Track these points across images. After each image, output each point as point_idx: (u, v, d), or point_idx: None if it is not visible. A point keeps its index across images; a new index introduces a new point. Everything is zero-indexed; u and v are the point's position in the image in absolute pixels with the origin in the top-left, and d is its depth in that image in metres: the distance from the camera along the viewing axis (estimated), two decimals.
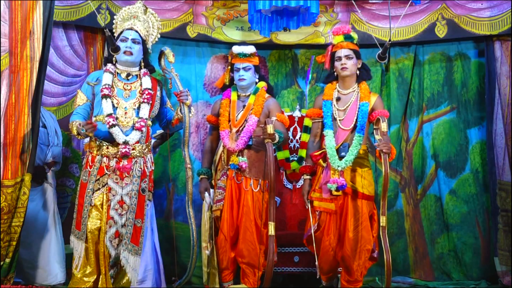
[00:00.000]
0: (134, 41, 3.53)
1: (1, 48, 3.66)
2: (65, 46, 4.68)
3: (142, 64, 3.65)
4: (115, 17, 3.76)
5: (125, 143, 3.41)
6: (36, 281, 4.13)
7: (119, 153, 3.41)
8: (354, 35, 3.93)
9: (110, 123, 3.39)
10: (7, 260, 3.73)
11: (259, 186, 4.06)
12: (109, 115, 3.42)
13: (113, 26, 3.74)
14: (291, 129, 4.73)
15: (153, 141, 4.41)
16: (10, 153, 3.69)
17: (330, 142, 3.79)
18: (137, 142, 3.51)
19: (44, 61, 3.78)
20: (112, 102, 3.46)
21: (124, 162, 3.42)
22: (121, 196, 3.42)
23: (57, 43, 4.63)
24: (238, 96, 4.20)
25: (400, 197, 4.98)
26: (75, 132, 3.43)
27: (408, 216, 4.97)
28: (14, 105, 3.69)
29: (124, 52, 3.50)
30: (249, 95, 4.16)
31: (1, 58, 3.66)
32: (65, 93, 4.68)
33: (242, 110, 4.12)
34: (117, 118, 3.45)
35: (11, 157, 3.69)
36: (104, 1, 4.54)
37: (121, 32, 3.57)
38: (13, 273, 3.81)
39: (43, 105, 4.28)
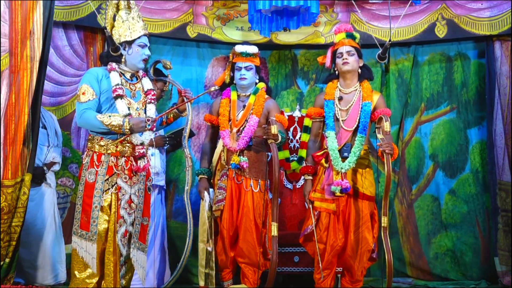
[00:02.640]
0: (149, 48, 3.51)
1: (1, 48, 3.66)
2: (65, 46, 4.68)
3: None
4: (111, 11, 3.46)
5: (142, 144, 3.39)
6: (37, 281, 4.13)
7: (137, 154, 3.38)
8: (356, 34, 3.92)
9: None
10: (7, 260, 3.72)
11: (259, 186, 4.06)
12: (127, 116, 3.36)
13: (115, 23, 3.43)
14: (291, 129, 4.73)
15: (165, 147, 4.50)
16: (10, 153, 3.68)
17: (332, 144, 3.75)
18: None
19: (44, 61, 3.77)
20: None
21: (144, 162, 3.40)
22: (130, 195, 3.41)
23: (57, 43, 4.63)
24: (238, 96, 4.19)
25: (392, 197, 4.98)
26: (128, 127, 3.21)
27: (400, 216, 4.97)
28: (14, 105, 3.69)
29: (143, 60, 3.47)
30: (249, 95, 4.16)
31: (1, 58, 3.65)
32: (65, 93, 4.68)
33: (242, 110, 4.12)
34: None
35: (11, 157, 3.69)
36: (104, 1, 4.54)
37: (139, 37, 3.48)
38: (13, 273, 3.80)
39: (43, 105, 4.27)
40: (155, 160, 4.37)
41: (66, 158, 4.65)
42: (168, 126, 3.88)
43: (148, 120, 3.23)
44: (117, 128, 3.23)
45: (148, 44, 3.48)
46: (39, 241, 4.16)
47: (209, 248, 4.03)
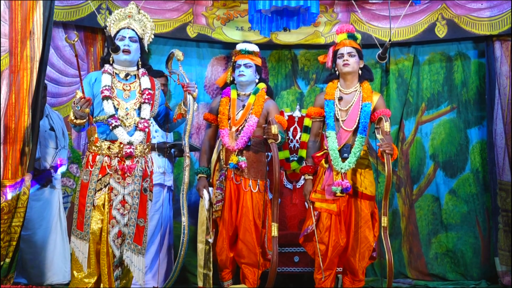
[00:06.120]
0: (131, 39, 3.50)
1: (1, 48, 3.67)
2: (65, 47, 4.69)
3: (140, 63, 3.62)
4: (107, 20, 3.63)
5: (130, 143, 3.39)
6: (41, 281, 4.14)
7: (124, 153, 3.39)
8: (358, 35, 3.92)
9: (113, 124, 3.37)
10: (7, 260, 3.72)
11: (258, 186, 4.06)
12: (112, 116, 3.38)
13: (107, 28, 3.56)
14: (291, 129, 4.73)
15: (172, 151, 4.50)
16: (10, 153, 3.69)
17: (333, 144, 3.76)
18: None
19: (44, 61, 3.78)
20: (113, 103, 3.44)
21: (128, 163, 3.41)
22: (123, 196, 3.40)
23: (58, 43, 4.64)
24: (238, 95, 4.19)
25: (396, 197, 4.98)
26: (72, 116, 3.34)
27: (404, 217, 4.97)
28: (14, 105, 3.69)
29: (123, 51, 3.47)
30: (249, 95, 4.16)
31: (1, 58, 3.66)
32: (66, 93, 4.68)
33: (242, 109, 4.11)
34: (118, 119, 3.43)
35: (11, 157, 3.69)
36: (104, 1, 4.55)
37: (118, 32, 3.54)
38: (13, 273, 3.80)
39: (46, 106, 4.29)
40: (165, 161, 4.39)
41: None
42: (177, 127, 3.87)
43: (74, 103, 3.28)
44: (74, 121, 3.33)
45: (130, 35, 3.49)
46: (45, 241, 4.19)
47: (210, 240, 4.01)
